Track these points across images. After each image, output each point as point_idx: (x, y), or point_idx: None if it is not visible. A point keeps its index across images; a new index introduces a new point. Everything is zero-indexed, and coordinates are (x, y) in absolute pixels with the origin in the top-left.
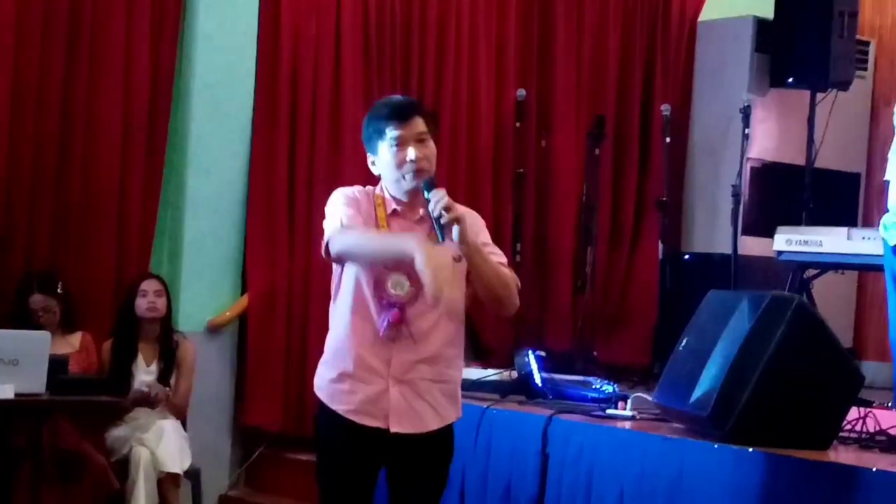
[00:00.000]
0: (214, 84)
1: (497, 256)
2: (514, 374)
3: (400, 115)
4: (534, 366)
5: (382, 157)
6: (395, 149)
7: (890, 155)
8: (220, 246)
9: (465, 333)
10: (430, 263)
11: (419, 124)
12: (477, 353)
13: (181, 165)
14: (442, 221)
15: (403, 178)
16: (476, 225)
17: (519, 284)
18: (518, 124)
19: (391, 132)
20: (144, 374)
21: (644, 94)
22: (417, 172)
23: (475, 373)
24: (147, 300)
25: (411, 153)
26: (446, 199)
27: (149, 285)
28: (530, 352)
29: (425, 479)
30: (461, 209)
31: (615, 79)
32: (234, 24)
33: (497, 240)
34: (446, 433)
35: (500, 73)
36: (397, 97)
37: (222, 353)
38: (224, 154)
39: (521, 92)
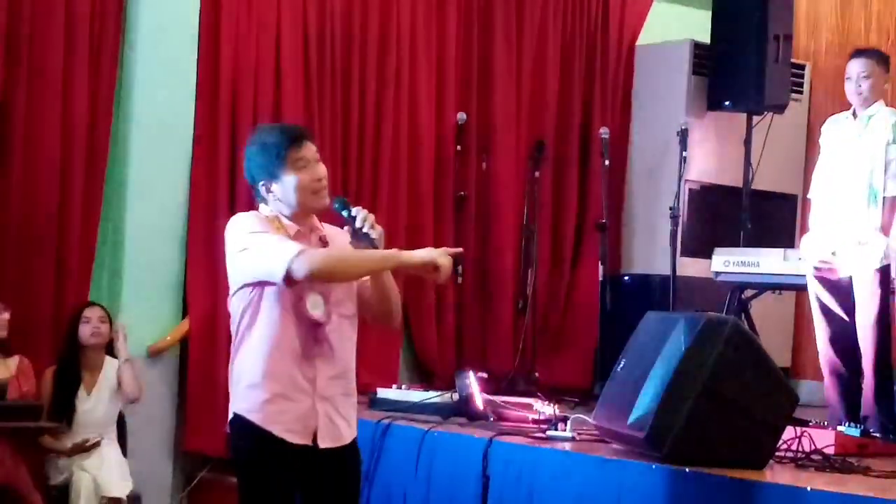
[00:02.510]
0: (155, 108)
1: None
2: (456, 396)
3: (298, 138)
4: (475, 388)
5: (287, 181)
6: (302, 170)
7: (814, 174)
8: (160, 271)
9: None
10: (439, 256)
11: (313, 146)
12: (419, 374)
13: (121, 189)
14: (373, 236)
15: (312, 196)
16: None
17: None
18: (459, 147)
19: (294, 154)
20: (84, 403)
21: (583, 117)
22: (324, 192)
23: (417, 395)
24: (91, 326)
25: (321, 170)
26: (367, 213)
27: (92, 312)
28: (471, 373)
29: (344, 492)
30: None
31: (554, 102)
32: (174, 49)
33: None
34: (355, 445)
35: (440, 97)
36: (281, 124)
37: (164, 378)
38: (165, 179)
39: (462, 115)
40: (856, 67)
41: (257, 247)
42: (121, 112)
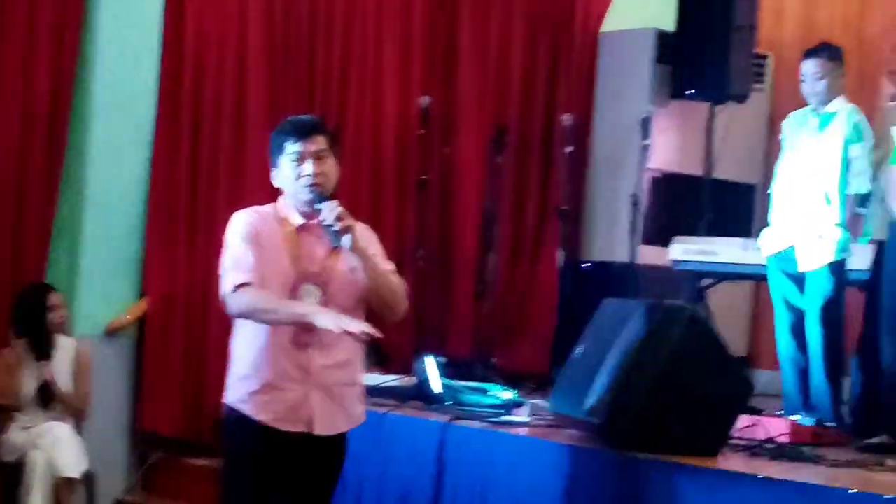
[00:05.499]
0: (116, 84)
1: (387, 265)
2: (414, 379)
3: (301, 132)
4: (433, 372)
5: (283, 171)
6: (294, 163)
7: (775, 169)
8: (119, 249)
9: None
10: (328, 319)
11: (320, 142)
12: (377, 358)
13: (81, 166)
14: (334, 228)
15: (301, 189)
16: (366, 236)
17: (407, 290)
18: (422, 131)
19: (292, 147)
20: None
21: (546, 103)
22: (313, 187)
23: (375, 378)
24: (58, 314)
25: (308, 168)
26: (338, 209)
27: (55, 298)
28: (430, 357)
29: (326, 479)
30: (353, 222)
31: (518, 88)
32: (138, 26)
33: (400, 246)
34: (344, 435)
35: (404, 81)
36: (303, 116)
37: (120, 357)
38: (125, 155)
39: (426, 99)
40: (809, 69)
41: (224, 263)
42: (82, 88)
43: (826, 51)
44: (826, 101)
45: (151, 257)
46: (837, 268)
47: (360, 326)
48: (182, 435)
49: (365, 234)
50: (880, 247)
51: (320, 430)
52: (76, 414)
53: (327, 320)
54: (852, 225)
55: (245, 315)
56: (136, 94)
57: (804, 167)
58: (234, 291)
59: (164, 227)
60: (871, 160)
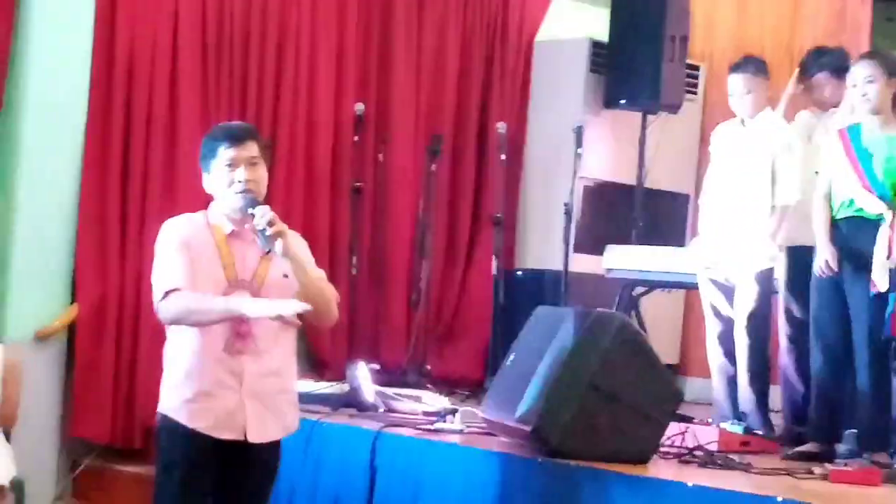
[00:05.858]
0: (47, 88)
1: (318, 272)
2: (346, 387)
3: (233, 138)
4: (366, 379)
5: (214, 177)
6: (226, 169)
7: (704, 181)
8: (49, 254)
9: (298, 346)
10: (259, 308)
11: (252, 148)
12: (311, 365)
13: (11, 170)
14: (266, 233)
15: (232, 198)
16: (296, 243)
17: (338, 298)
18: (356, 138)
19: (224, 153)
20: None
21: (481, 111)
22: (245, 193)
23: (307, 385)
24: None
25: (241, 174)
26: (271, 214)
27: None
28: (363, 365)
29: (260, 486)
30: (285, 227)
31: (453, 96)
32: (70, 31)
33: (333, 252)
34: (278, 442)
35: (338, 87)
36: (235, 122)
37: (50, 363)
38: (56, 161)
39: (360, 106)
40: (736, 84)
41: (154, 272)
42: (12, 92)
43: (751, 65)
44: (754, 115)
45: (82, 263)
46: (764, 277)
47: (290, 306)
48: (113, 441)
49: (295, 241)
50: (798, 252)
51: (253, 437)
52: (5, 420)
53: (257, 308)
54: (778, 235)
55: (178, 319)
56: (68, 99)
57: (733, 178)
58: (164, 298)
59: (95, 232)
60: (798, 171)
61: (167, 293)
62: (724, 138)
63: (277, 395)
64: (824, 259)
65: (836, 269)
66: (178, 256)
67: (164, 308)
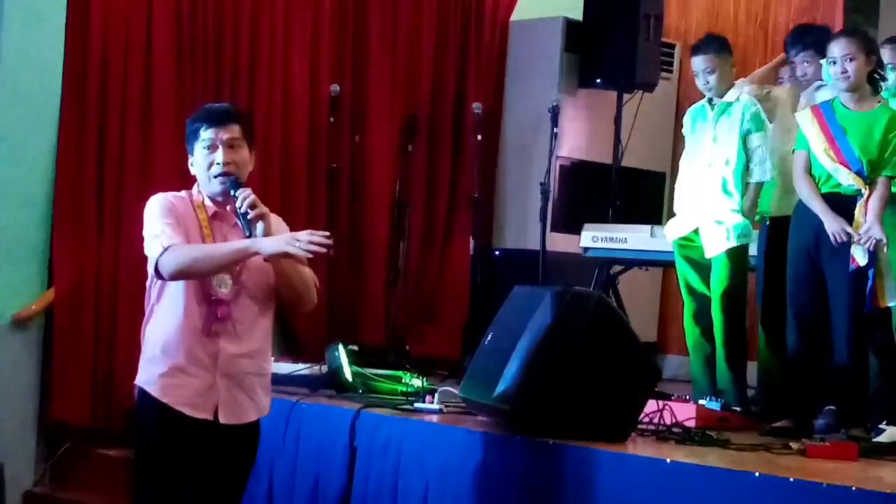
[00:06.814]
0: (20, 70)
1: None
2: (325, 368)
3: (214, 119)
4: (344, 360)
5: (196, 159)
6: (206, 151)
7: (681, 162)
8: (25, 238)
9: (276, 327)
10: (274, 243)
11: (234, 130)
12: (289, 347)
13: None
14: (248, 217)
15: (211, 179)
16: (279, 227)
17: (317, 283)
18: (332, 119)
19: (205, 134)
20: None
21: (456, 92)
22: (222, 176)
23: (286, 367)
24: None
25: (220, 156)
26: (252, 197)
27: None
28: (341, 345)
29: (237, 469)
30: (267, 210)
31: (429, 76)
32: (44, 16)
33: None
34: (257, 424)
35: (314, 68)
36: (219, 103)
37: (28, 347)
38: (31, 143)
39: (335, 87)
40: (699, 64)
41: (147, 236)
42: None
43: (714, 45)
44: (721, 93)
45: (59, 246)
46: (738, 254)
47: (312, 238)
48: (92, 425)
49: (276, 224)
50: (773, 223)
51: (225, 418)
52: None
53: (274, 244)
54: (752, 212)
55: (183, 270)
56: (41, 82)
57: (704, 157)
58: (163, 253)
59: (71, 216)
60: (770, 148)
61: (166, 249)
62: (694, 118)
63: (251, 378)
64: (838, 227)
65: (851, 233)
66: (167, 218)
67: (165, 261)
